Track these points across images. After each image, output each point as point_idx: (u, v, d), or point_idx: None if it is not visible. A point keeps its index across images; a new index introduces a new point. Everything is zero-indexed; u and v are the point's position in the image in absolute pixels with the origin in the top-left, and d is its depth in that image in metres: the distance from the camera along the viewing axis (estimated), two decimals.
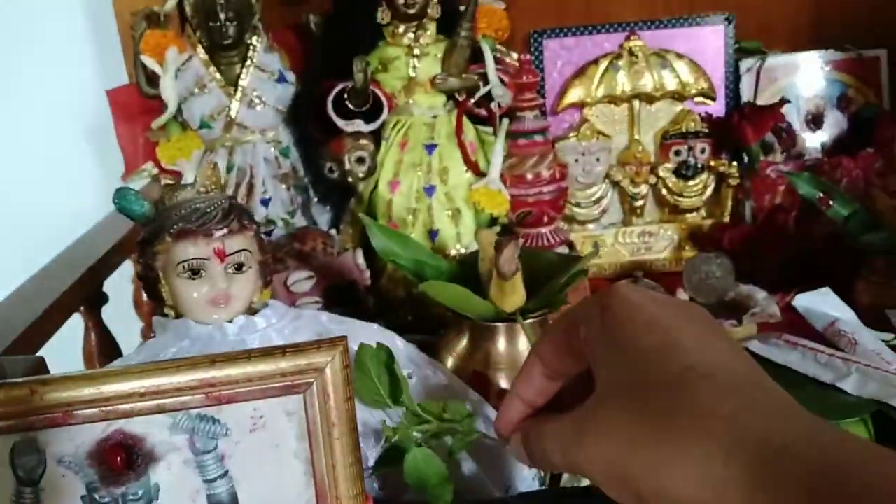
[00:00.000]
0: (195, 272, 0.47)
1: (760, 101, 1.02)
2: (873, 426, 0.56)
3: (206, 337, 0.48)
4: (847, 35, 1.04)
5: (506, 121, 0.85)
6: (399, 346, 0.53)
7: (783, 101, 0.97)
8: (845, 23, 1.05)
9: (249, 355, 0.34)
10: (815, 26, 1.06)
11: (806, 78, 1.04)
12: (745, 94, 1.03)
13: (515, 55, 0.92)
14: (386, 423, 0.47)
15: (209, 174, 0.47)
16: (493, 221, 0.87)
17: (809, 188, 0.85)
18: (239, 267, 0.49)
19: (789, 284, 0.90)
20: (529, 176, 0.85)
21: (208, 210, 0.47)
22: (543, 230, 0.88)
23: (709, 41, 1.01)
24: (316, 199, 0.92)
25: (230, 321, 0.49)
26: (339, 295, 0.80)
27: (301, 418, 0.35)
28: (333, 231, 0.89)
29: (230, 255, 0.48)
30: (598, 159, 1.01)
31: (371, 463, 0.49)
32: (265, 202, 0.90)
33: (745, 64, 1.03)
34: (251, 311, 0.51)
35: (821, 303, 0.67)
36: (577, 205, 1.02)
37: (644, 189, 1.03)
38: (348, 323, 0.52)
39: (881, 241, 0.80)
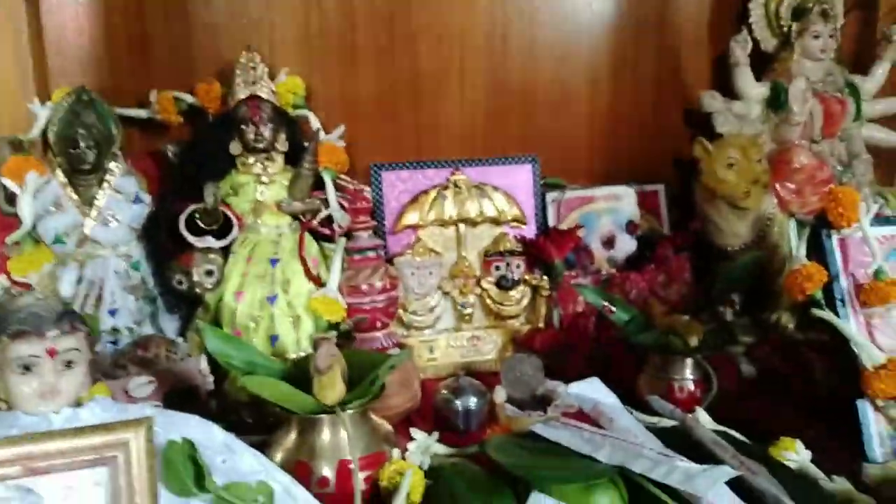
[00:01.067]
0: (27, 368, 0.54)
1: (563, 226, 1.22)
2: (626, 486, 0.69)
3: (32, 426, 0.53)
4: (634, 169, 1.28)
5: (343, 239, 0.98)
6: (216, 434, 0.60)
7: (578, 226, 1.17)
8: (630, 158, 1.30)
9: (63, 433, 0.41)
10: (606, 165, 1.30)
11: (601, 207, 1.25)
12: (551, 221, 1.22)
13: (354, 183, 1.06)
14: None
15: (47, 283, 0.55)
16: (333, 328, 0.97)
17: (595, 298, 1.03)
18: (68, 364, 0.55)
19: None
20: (364, 286, 0.97)
21: (43, 314, 0.54)
22: (378, 334, 0.99)
23: (520, 177, 1.21)
24: (164, 309, 0.99)
25: (57, 413, 0.55)
26: (180, 399, 0.86)
27: (108, 489, 0.42)
28: (180, 339, 0.96)
29: (61, 353, 0.55)
30: (430, 273, 1.16)
31: None
32: (112, 312, 0.95)
33: (550, 196, 1.23)
34: (78, 404, 0.57)
35: (589, 389, 0.82)
36: (414, 313, 1.15)
37: (472, 299, 1.18)
38: (170, 415, 0.59)
39: (653, 340, 0.98)
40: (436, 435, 0.81)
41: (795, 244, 1.17)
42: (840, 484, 0.74)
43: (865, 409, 0.83)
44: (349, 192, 1.03)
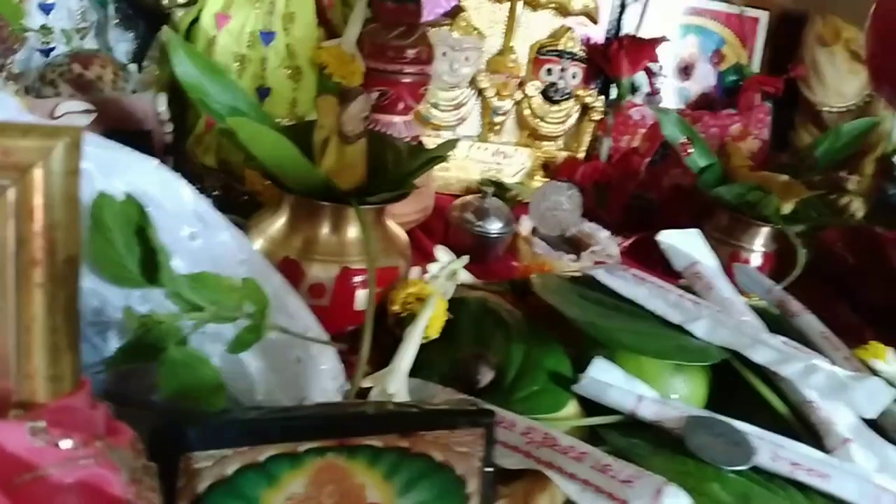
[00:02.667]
0: None
1: (643, 35, 0.96)
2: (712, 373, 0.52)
3: None
4: None
5: None
6: (184, 196, 0.39)
7: (663, 37, 0.92)
8: None
9: None
10: None
11: (687, 23, 1.00)
12: (627, 27, 0.97)
13: None
14: (131, 310, 0.33)
15: None
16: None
17: (675, 130, 0.81)
18: None
19: (631, 229, 0.87)
20: (391, 49, 0.71)
21: None
22: (397, 119, 0.75)
23: None
24: (116, 21, 0.71)
25: None
26: (125, 144, 0.62)
27: None
28: (133, 66, 0.70)
29: None
30: (467, 59, 0.90)
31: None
32: (46, 7, 0.68)
33: None
34: None
35: (686, 243, 0.63)
36: (436, 106, 0.91)
37: (508, 105, 0.94)
38: (112, 150, 0.37)
39: (731, 195, 0.78)
40: (465, 259, 0.61)
41: None
42: None
43: None
44: None
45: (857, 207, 1.00)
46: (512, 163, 0.97)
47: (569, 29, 0.93)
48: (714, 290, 0.57)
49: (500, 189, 0.93)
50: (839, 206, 1.02)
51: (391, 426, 0.31)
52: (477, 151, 0.95)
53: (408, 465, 0.32)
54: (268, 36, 0.68)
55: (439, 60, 0.88)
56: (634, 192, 0.93)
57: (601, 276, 0.58)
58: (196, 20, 0.68)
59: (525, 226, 0.83)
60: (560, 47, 0.93)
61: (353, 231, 0.53)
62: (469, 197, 0.81)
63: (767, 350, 0.48)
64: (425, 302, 0.53)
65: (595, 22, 0.94)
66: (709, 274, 0.59)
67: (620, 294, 0.56)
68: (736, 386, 0.51)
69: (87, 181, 0.32)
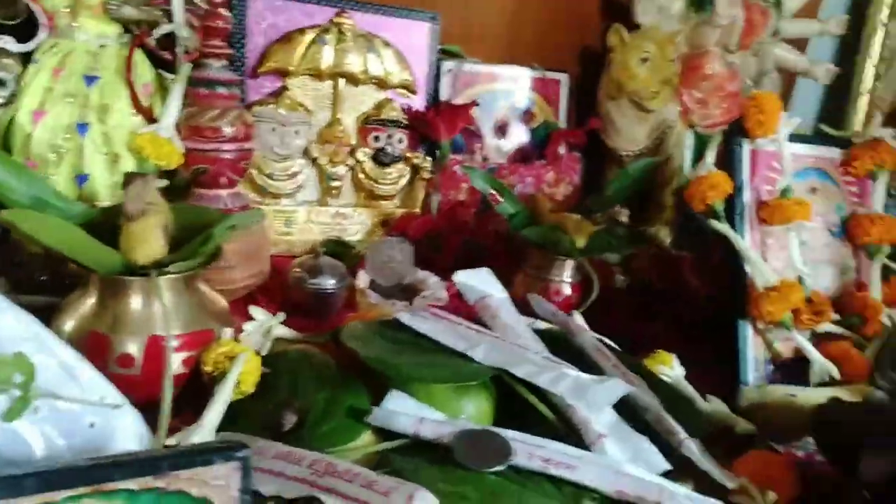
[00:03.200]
0: None
1: (459, 102, 1.07)
2: (497, 392, 0.59)
3: None
4: (537, 54, 1.14)
5: (188, 66, 0.77)
6: None
7: (474, 102, 1.03)
8: (537, 43, 1.16)
9: None
10: (509, 42, 1.15)
11: (499, 88, 1.12)
12: (444, 94, 1.07)
13: None
14: None
15: None
16: (167, 176, 0.78)
17: (483, 183, 0.91)
18: None
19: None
20: (209, 129, 0.77)
21: None
22: (222, 193, 0.81)
23: (415, 36, 1.03)
24: None
25: None
26: None
27: None
28: None
29: None
30: (296, 132, 0.98)
31: None
32: None
33: (446, 65, 1.07)
34: None
35: (476, 279, 0.71)
36: (271, 176, 0.97)
37: (342, 170, 1.02)
38: None
39: (536, 236, 0.88)
40: (281, 316, 0.67)
41: (689, 156, 1.13)
42: (715, 404, 0.70)
43: (746, 330, 0.79)
44: (203, 8, 0.81)
45: (664, 235, 1.14)
46: (353, 223, 1.04)
47: (390, 100, 1.03)
48: (498, 318, 0.65)
49: (342, 247, 1.00)
50: (648, 235, 1.15)
51: (145, 469, 0.36)
52: (317, 215, 1.02)
53: (166, 502, 0.36)
54: (83, 127, 0.73)
55: (269, 135, 0.95)
56: (465, 239, 1.02)
57: (404, 318, 0.65)
58: (12, 119, 0.72)
59: (362, 279, 0.89)
60: (384, 117, 1.02)
61: (159, 301, 0.57)
62: (304, 257, 0.88)
63: (528, 365, 0.56)
64: (235, 360, 0.58)
65: (413, 93, 1.04)
66: (495, 305, 0.67)
67: (419, 331, 0.63)
68: (521, 401, 0.58)
69: None
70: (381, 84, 1.02)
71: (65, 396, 0.40)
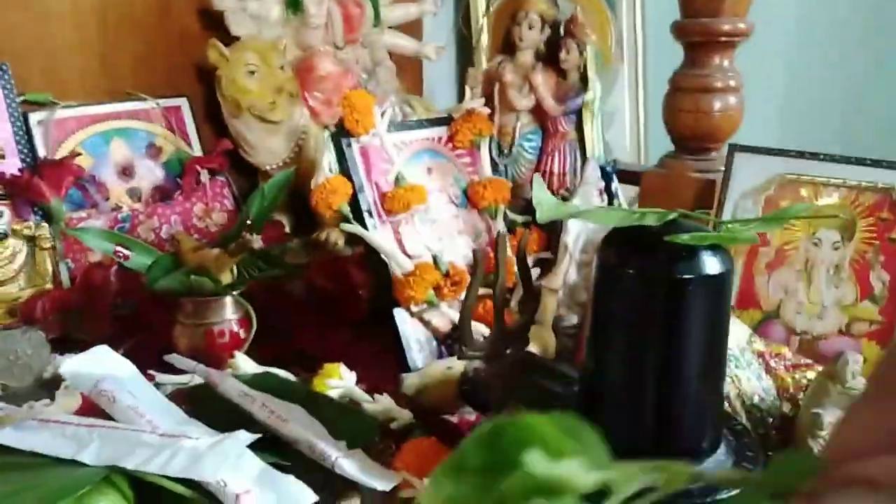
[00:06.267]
0: None
1: (62, 154, 0.95)
2: (133, 482, 0.53)
3: None
4: (145, 84, 1.06)
5: None
6: None
7: (74, 153, 0.92)
8: (141, 71, 1.07)
9: None
10: (106, 77, 1.04)
11: (105, 129, 1.01)
12: (41, 150, 0.94)
13: None
14: None
15: None
16: None
17: (100, 242, 0.82)
18: None
19: (123, 339, 0.86)
20: None
21: None
22: None
23: None
24: None
25: None
26: None
27: None
28: None
29: None
30: None
31: None
32: None
33: (36, 117, 0.94)
34: None
35: (89, 364, 0.63)
36: None
37: None
38: None
39: (177, 283, 0.82)
40: None
41: (323, 158, 1.14)
42: (381, 403, 0.72)
43: (402, 317, 0.83)
44: None
45: (337, 237, 1.15)
46: None
47: None
48: (116, 402, 0.58)
49: None
50: (322, 242, 1.15)
51: None
52: None
53: None
54: None
55: None
56: (112, 303, 0.92)
57: (3, 437, 0.55)
58: None
59: None
60: None
61: None
62: None
63: (142, 451, 0.50)
64: None
65: (1, 157, 0.90)
66: (112, 387, 0.60)
67: (22, 450, 0.54)
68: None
69: None
70: None
71: None
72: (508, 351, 0.62)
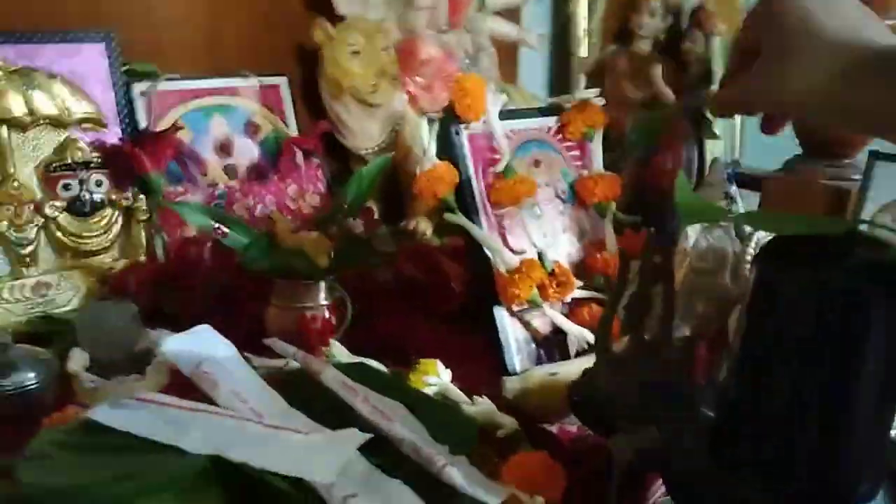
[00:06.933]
0: None
1: (162, 127, 0.94)
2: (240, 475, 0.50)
3: None
4: (246, 61, 1.04)
5: None
6: None
7: (177, 126, 0.91)
8: (243, 48, 1.06)
9: None
10: (210, 52, 1.03)
11: (209, 104, 1.00)
12: (142, 121, 0.94)
13: None
14: None
15: None
16: None
17: (200, 218, 0.80)
18: None
19: (214, 319, 0.84)
20: None
21: None
22: None
23: (88, 61, 0.88)
24: None
25: None
26: None
27: None
28: None
29: None
30: None
31: None
32: None
33: (139, 87, 0.94)
34: None
35: (191, 343, 0.61)
36: None
37: (31, 233, 0.85)
38: None
39: (274, 265, 0.80)
40: None
41: (427, 144, 1.10)
42: (481, 405, 0.67)
43: (502, 316, 0.78)
44: None
45: (425, 226, 1.11)
46: (61, 291, 0.87)
47: (75, 140, 0.87)
48: (219, 386, 0.56)
49: (52, 325, 0.83)
50: (410, 229, 1.11)
51: None
52: (12, 291, 0.84)
53: None
54: None
55: None
56: (204, 281, 0.90)
57: (98, 415, 0.53)
58: None
59: (77, 360, 0.74)
60: (70, 160, 0.86)
61: None
62: None
63: (249, 441, 0.47)
64: None
65: (103, 126, 0.89)
66: (215, 369, 0.57)
67: (118, 430, 0.51)
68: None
69: None
70: (58, 123, 0.86)
71: None
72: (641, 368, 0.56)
